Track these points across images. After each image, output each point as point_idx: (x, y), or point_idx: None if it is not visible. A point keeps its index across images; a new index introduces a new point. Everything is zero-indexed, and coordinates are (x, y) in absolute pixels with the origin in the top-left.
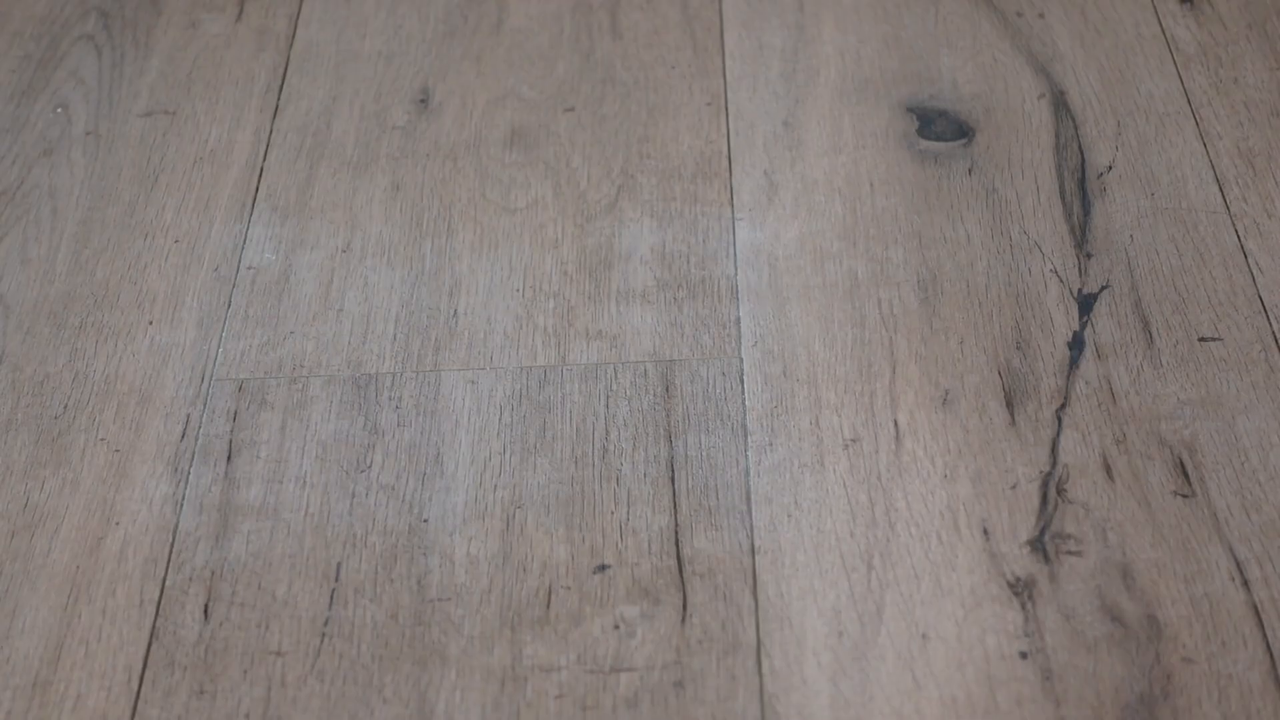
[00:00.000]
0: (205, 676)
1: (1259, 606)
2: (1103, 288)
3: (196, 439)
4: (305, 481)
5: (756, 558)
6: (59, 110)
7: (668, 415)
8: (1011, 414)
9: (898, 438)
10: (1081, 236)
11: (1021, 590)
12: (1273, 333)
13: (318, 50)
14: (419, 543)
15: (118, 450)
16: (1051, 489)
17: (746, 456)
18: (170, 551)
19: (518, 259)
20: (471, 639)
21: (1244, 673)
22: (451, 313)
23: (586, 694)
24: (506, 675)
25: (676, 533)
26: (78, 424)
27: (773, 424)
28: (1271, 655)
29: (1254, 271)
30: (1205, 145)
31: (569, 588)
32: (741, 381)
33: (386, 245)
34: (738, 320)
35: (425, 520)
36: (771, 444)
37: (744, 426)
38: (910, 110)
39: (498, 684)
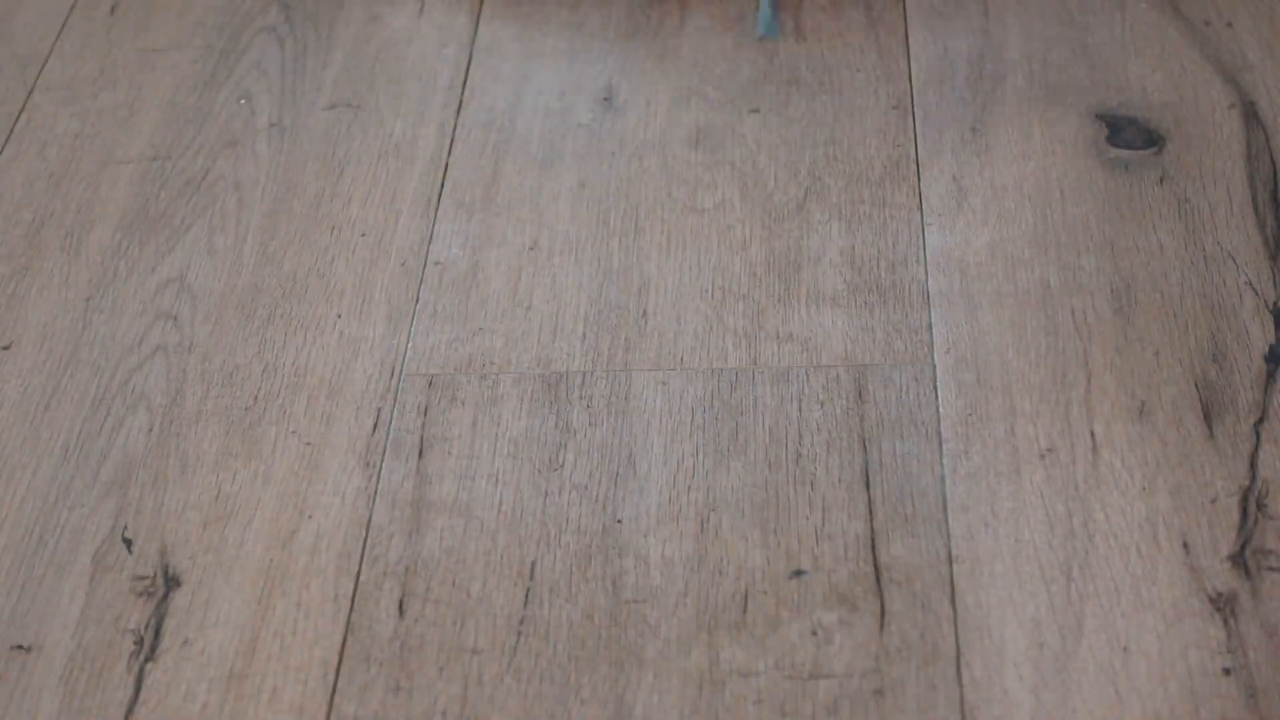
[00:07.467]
0: (401, 673)
1: None
2: None
3: (388, 433)
4: (497, 479)
5: (954, 566)
6: (242, 101)
7: (861, 420)
8: (1209, 427)
9: (1094, 449)
10: (1275, 249)
11: (1223, 605)
12: None
13: (500, 47)
14: (613, 543)
15: (309, 443)
16: (1251, 503)
17: (942, 464)
18: (364, 546)
19: (706, 259)
20: (668, 641)
21: None
22: (641, 312)
23: (785, 700)
24: (704, 679)
25: (873, 539)
26: (268, 416)
27: (967, 432)
28: None
29: None
30: None
31: (765, 592)
32: (935, 388)
33: (574, 243)
34: (929, 326)
35: (619, 521)
36: (967, 452)
37: (938, 433)
38: (1099, 118)
39: (695, 687)
